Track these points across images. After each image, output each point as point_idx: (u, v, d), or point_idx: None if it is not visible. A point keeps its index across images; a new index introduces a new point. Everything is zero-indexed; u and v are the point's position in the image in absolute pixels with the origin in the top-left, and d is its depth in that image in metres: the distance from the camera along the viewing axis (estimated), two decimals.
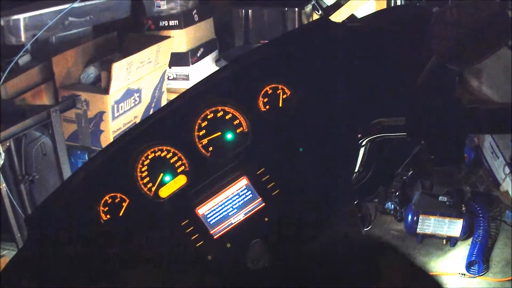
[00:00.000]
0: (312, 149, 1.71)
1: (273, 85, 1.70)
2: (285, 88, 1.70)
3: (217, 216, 1.69)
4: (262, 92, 1.70)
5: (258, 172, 1.69)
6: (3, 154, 3.42)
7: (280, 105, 1.71)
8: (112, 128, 4.57)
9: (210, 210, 1.69)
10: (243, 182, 1.69)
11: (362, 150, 1.70)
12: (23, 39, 4.26)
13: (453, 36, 1.49)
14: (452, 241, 4.43)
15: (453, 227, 4.31)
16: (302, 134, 1.71)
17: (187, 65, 5.44)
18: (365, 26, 1.94)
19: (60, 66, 4.51)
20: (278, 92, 1.71)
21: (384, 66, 1.76)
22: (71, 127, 4.56)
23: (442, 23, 1.53)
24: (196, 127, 1.69)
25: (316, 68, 1.71)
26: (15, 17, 4.19)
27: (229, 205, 1.70)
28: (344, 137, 1.71)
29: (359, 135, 1.67)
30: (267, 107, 1.71)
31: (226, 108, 1.70)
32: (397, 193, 4.46)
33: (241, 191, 1.69)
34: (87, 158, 4.52)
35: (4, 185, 3.65)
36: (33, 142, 4.05)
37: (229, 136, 1.70)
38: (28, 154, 4.02)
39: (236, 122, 1.70)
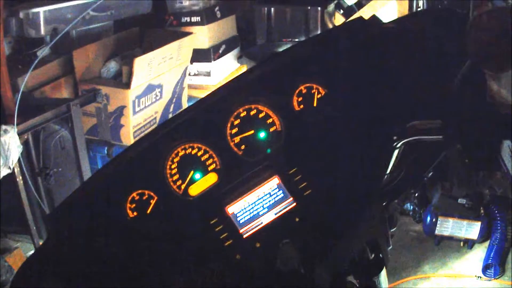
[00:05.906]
0: (345, 150, 1.69)
1: (308, 85, 1.69)
2: (320, 88, 1.69)
3: (247, 215, 1.67)
4: (297, 91, 1.69)
5: (290, 172, 1.67)
6: (20, 147, 3.42)
7: (315, 104, 1.69)
8: (133, 123, 4.58)
9: (240, 209, 1.67)
10: (274, 181, 1.67)
11: (395, 152, 1.67)
12: (42, 32, 4.29)
13: (489, 40, 1.49)
14: (469, 244, 4.42)
15: (471, 229, 4.30)
16: (336, 135, 1.70)
17: (209, 61, 5.47)
18: (400, 28, 1.92)
19: (81, 60, 4.53)
20: (312, 91, 1.69)
21: (418, 68, 1.74)
22: (91, 121, 4.57)
23: (479, 27, 1.52)
24: (229, 125, 1.68)
25: (351, 68, 1.70)
26: (35, 10, 4.22)
27: (259, 205, 1.67)
28: (379, 139, 1.69)
29: (394, 137, 1.65)
30: (301, 106, 1.69)
31: (259, 106, 1.68)
32: (417, 194, 4.44)
33: (272, 191, 1.67)
34: (106, 153, 4.53)
35: (21, 177, 3.65)
36: (52, 136, 4.06)
37: (262, 134, 1.69)
38: (46, 148, 4.02)
39: (270, 121, 1.69)
